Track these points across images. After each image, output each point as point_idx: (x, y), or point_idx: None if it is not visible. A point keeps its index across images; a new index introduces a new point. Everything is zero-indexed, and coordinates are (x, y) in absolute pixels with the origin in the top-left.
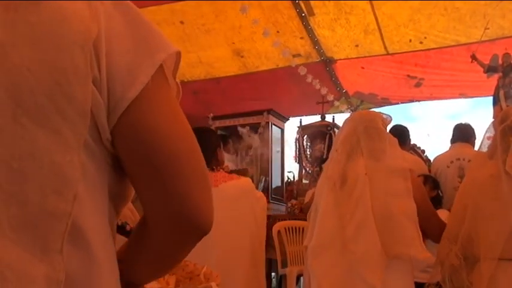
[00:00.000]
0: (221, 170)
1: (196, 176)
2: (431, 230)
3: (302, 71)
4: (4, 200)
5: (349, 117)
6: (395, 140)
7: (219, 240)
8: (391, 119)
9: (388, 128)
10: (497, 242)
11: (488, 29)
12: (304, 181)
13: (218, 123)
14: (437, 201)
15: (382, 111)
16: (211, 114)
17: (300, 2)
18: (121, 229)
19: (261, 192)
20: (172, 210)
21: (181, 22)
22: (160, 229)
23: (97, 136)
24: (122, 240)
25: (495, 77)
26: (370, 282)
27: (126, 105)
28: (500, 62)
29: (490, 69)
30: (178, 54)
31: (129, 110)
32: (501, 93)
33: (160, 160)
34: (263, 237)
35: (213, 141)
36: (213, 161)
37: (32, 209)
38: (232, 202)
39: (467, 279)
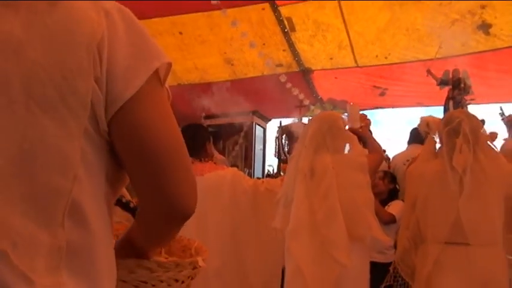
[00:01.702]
0: (210, 161)
1: (180, 170)
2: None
3: (282, 78)
4: (17, 176)
5: (314, 117)
6: (355, 138)
7: (200, 224)
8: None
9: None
10: (444, 228)
11: (441, 48)
12: (282, 174)
13: (209, 122)
14: (394, 193)
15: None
16: (204, 114)
17: (284, 19)
18: (125, 206)
19: (254, 180)
20: (157, 198)
21: (180, 33)
22: (148, 213)
23: (96, 126)
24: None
25: (446, 89)
26: (341, 261)
27: (121, 104)
28: (450, 76)
29: (441, 83)
30: (169, 64)
31: (124, 108)
32: (450, 103)
33: (148, 154)
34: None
35: (203, 136)
36: (202, 153)
37: (38, 186)
38: (215, 190)
39: (415, 259)
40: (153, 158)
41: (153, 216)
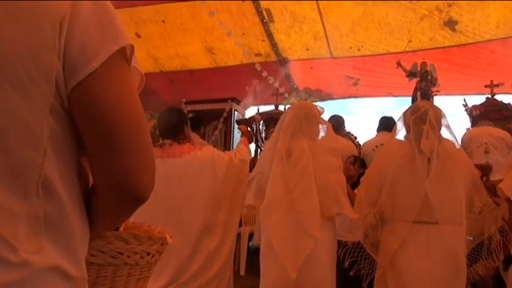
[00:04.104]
0: (187, 143)
1: (136, 151)
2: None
3: (258, 67)
4: None
5: (291, 105)
6: (330, 125)
7: (182, 203)
8: (324, 110)
9: (327, 116)
10: (413, 208)
11: (411, 41)
12: (259, 157)
13: (190, 107)
14: None
15: (323, 105)
16: (184, 100)
17: (263, 10)
18: None
19: (228, 154)
20: (109, 178)
21: (163, 21)
22: (101, 193)
23: (62, 102)
24: None
25: (414, 80)
26: (313, 235)
27: (76, 83)
28: (418, 68)
29: (410, 74)
30: (131, 47)
31: (81, 86)
32: (418, 94)
33: (102, 133)
34: (232, 193)
35: (180, 119)
36: (180, 136)
37: (13, 159)
38: (193, 169)
39: (380, 236)
40: (107, 136)
41: (106, 197)
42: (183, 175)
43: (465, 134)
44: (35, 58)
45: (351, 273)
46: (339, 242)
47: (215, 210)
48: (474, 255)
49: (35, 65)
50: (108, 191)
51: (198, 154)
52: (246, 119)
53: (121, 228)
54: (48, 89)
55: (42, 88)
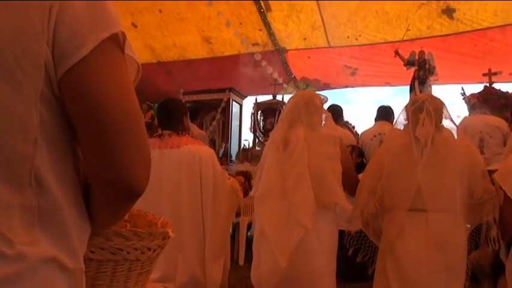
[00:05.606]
0: (186, 134)
1: (130, 142)
2: (349, 185)
3: (257, 57)
4: None
5: (293, 95)
6: (330, 115)
7: (174, 194)
8: (327, 99)
9: (326, 106)
10: (407, 195)
11: (409, 30)
12: (257, 148)
13: (187, 98)
14: (362, 167)
15: (322, 94)
16: (182, 90)
17: None
18: None
19: (224, 171)
20: (102, 171)
21: (160, 11)
22: (95, 186)
23: (53, 90)
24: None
25: (412, 69)
26: (304, 224)
27: (65, 70)
28: (416, 57)
29: (408, 63)
30: (122, 34)
31: (70, 74)
32: (416, 83)
33: (94, 125)
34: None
35: (179, 110)
36: (179, 127)
37: (5, 151)
38: (190, 162)
39: (381, 224)
40: (99, 126)
41: (100, 191)
42: (178, 165)
43: (460, 122)
44: (24, 45)
45: (358, 260)
46: (343, 231)
47: (200, 210)
48: (471, 242)
49: (24, 51)
50: (101, 185)
51: (198, 148)
52: (246, 171)
53: (126, 217)
54: (38, 76)
55: (32, 75)
